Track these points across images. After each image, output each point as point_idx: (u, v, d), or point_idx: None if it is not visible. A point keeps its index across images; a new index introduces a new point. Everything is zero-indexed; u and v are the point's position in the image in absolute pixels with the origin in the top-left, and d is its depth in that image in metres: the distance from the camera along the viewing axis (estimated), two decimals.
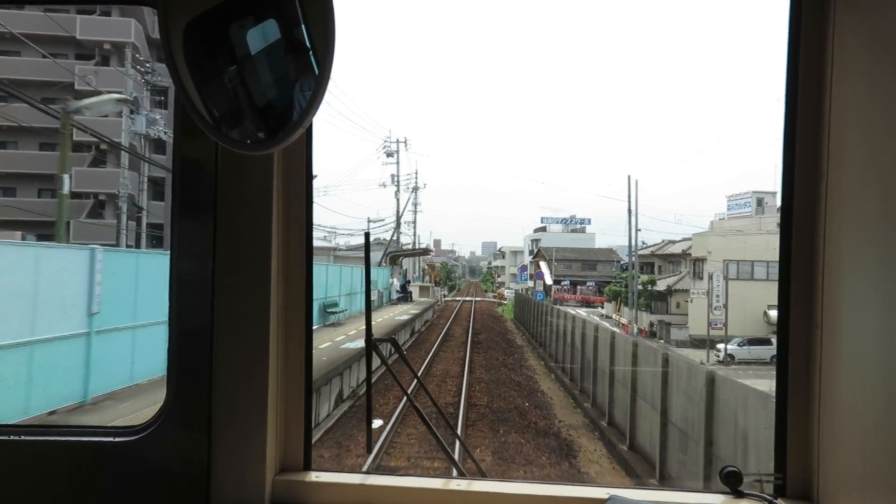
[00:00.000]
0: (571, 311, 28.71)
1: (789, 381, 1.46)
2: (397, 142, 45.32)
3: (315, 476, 1.55)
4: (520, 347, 25.90)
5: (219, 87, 1.11)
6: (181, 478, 1.47)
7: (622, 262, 69.32)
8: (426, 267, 52.26)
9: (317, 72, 1.06)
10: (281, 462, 1.57)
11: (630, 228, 41.34)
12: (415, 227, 55.97)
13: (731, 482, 1.46)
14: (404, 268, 42.04)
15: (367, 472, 1.58)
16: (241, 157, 1.45)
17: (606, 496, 1.41)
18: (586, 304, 59.61)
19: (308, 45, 1.06)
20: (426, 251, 45.78)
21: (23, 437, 1.50)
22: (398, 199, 45.00)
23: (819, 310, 1.41)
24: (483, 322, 35.11)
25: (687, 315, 38.21)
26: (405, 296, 35.79)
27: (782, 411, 1.47)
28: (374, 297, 28.60)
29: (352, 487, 1.52)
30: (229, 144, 1.16)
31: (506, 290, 68.39)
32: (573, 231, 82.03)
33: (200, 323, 1.47)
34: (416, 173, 58.79)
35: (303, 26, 1.05)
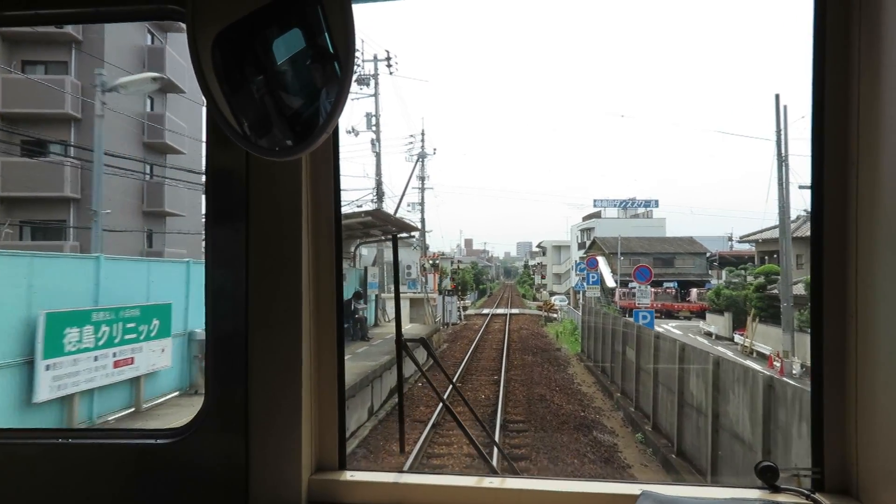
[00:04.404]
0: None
1: (824, 372, 1.43)
2: (374, 60, 27.28)
3: (350, 475, 1.58)
4: None
5: (247, 98, 1.13)
6: (220, 477, 1.52)
7: (712, 257, 51.44)
8: (426, 265, 32.98)
9: (339, 77, 1.07)
10: (316, 462, 1.60)
11: (781, 183, 22.50)
12: (422, 210, 37.86)
13: (767, 477, 1.42)
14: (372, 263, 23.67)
15: (402, 471, 1.60)
16: (270, 163, 1.50)
17: (639, 492, 1.40)
18: (666, 313, 41.74)
19: (332, 51, 1.08)
20: (387, 222, 17.67)
21: (70, 441, 1.58)
22: (378, 154, 26.99)
23: (853, 299, 1.39)
24: (528, 385, 15.92)
25: None
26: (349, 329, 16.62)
27: (818, 404, 1.45)
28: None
29: (386, 486, 1.53)
30: (258, 152, 1.18)
31: (556, 299, 49.52)
32: (634, 217, 63.88)
33: (236, 328, 1.51)
34: (423, 134, 39.99)
35: (326, 34, 1.07)
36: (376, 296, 21.01)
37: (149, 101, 25.71)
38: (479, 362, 19.59)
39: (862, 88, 1.35)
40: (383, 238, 19.55)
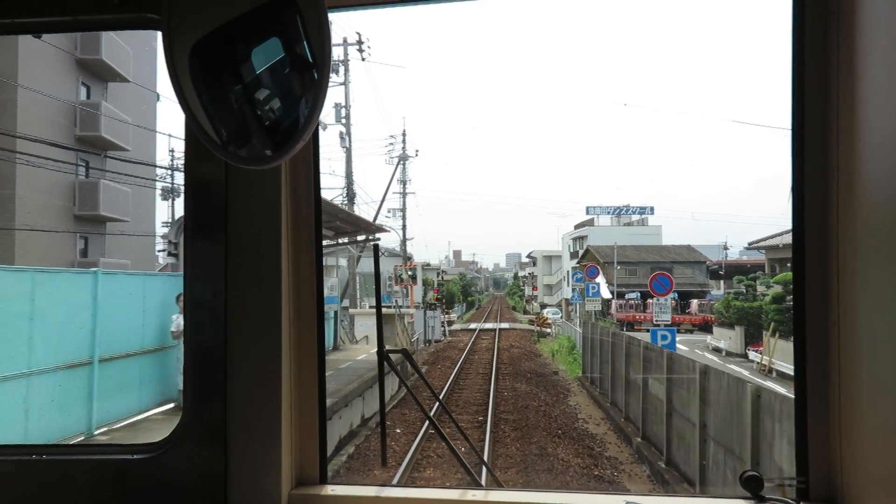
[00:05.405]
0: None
1: (807, 381, 1.42)
2: (344, 44, 24.12)
3: (331, 489, 1.56)
4: None
5: (226, 107, 1.12)
6: (199, 493, 1.49)
7: (714, 266, 48.71)
8: (403, 276, 29.34)
9: (316, 82, 1.07)
10: (297, 476, 1.58)
11: None
12: (403, 217, 34.67)
13: (752, 487, 1.40)
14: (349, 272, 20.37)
15: (384, 485, 1.58)
16: (249, 172, 1.48)
17: (623, 503, 1.41)
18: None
19: (311, 59, 1.07)
20: (335, 217, 13.57)
21: (45, 457, 1.54)
22: (349, 149, 23.79)
23: (835, 308, 1.38)
24: (522, 428, 12.51)
25: None
26: None
27: (802, 413, 1.43)
28: None
29: (368, 500, 1.52)
30: (238, 162, 1.17)
31: (548, 311, 46.32)
32: (627, 225, 61.23)
33: (214, 340, 1.49)
34: (405, 135, 36.40)
35: (304, 42, 1.07)
36: (335, 312, 17.50)
37: (84, 89, 22.33)
38: (461, 393, 16.22)
39: (840, 98, 1.35)
40: (340, 243, 16.21)
